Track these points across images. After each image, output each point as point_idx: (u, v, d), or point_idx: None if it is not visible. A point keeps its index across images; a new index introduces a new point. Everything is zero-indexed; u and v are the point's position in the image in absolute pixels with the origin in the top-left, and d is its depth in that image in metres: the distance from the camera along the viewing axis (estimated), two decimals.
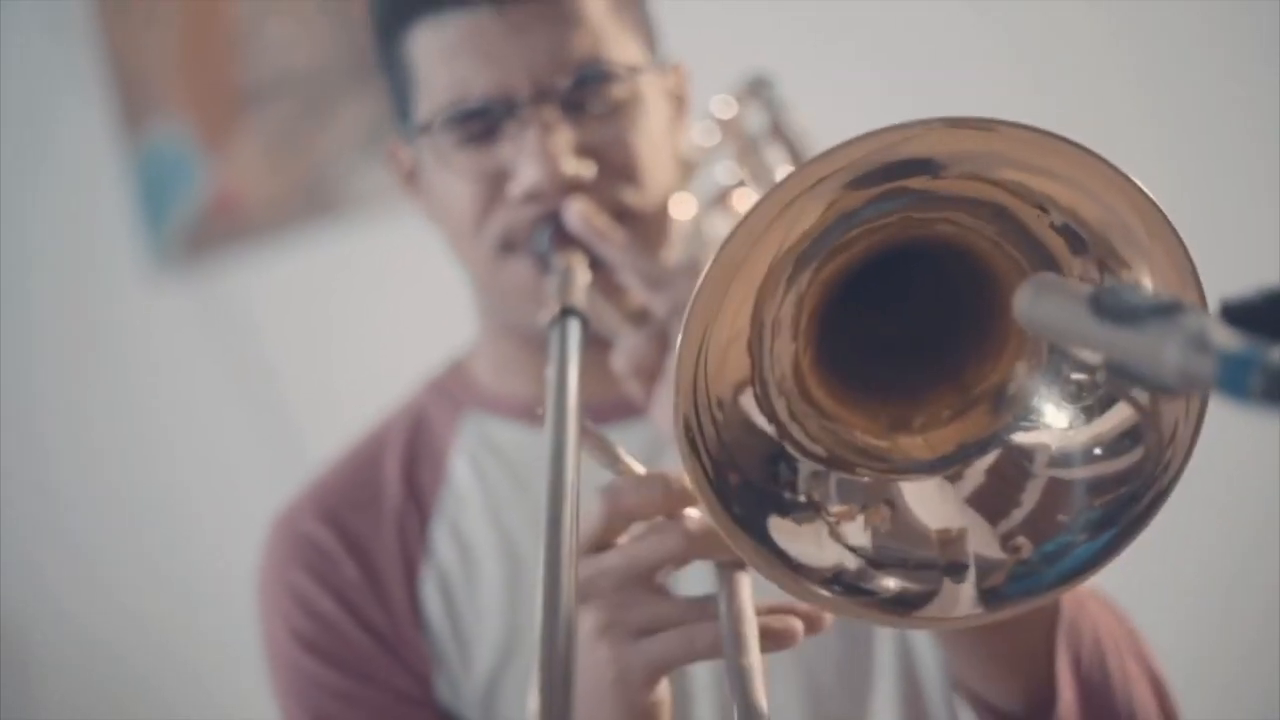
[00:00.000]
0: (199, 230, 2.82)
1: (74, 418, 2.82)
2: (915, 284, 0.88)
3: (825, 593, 0.80)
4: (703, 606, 0.85)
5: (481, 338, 1.30)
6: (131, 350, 2.82)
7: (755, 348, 0.81)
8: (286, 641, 1.20)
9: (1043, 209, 0.77)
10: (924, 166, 0.76)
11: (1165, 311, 0.56)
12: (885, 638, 1.17)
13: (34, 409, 2.82)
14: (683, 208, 1.29)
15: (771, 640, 0.84)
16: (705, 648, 0.84)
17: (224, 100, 2.82)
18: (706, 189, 1.31)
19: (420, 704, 1.19)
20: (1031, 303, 0.66)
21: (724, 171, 1.30)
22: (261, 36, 2.80)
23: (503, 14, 1.12)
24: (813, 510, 0.82)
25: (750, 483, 0.81)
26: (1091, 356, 0.80)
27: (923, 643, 1.17)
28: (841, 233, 0.79)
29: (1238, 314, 0.56)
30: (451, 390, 1.29)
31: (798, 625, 0.85)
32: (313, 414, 2.64)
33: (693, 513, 0.87)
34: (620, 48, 1.17)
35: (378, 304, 2.71)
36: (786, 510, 0.82)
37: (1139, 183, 0.74)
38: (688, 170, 1.31)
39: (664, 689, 0.87)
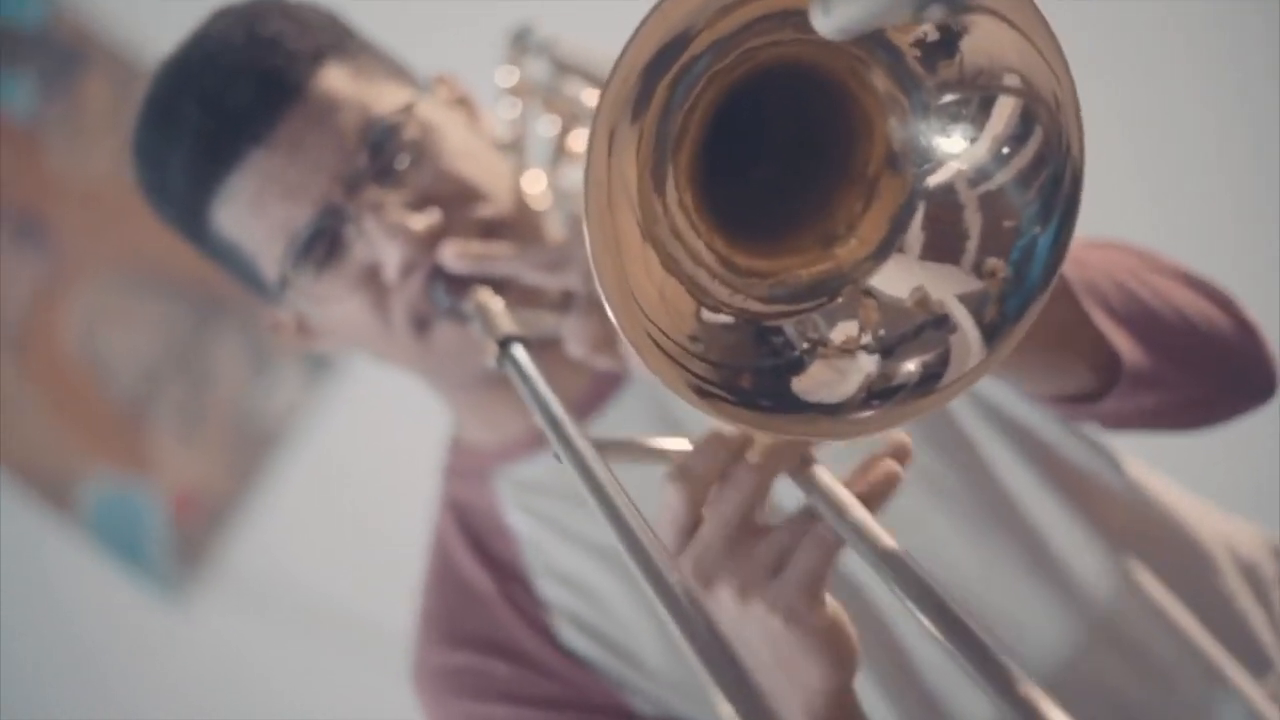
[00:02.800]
0: (181, 542, 2.83)
1: None
2: (767, 120, 0.88)
3: (869, 413, 0.80)
4: (807, 516, 0.85)
5: (456, 410, 1.30)
6: (184, 667, 2.82)
7: (673, 266, 0.81)
8: None
9: None
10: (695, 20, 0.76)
11: None
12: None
13: None
14: (534, 182, 1.29)
15: (878, 493, 0.84)
16: (833, 543, 0.83)
17: (117, 428, 2.83)
18: (542, 151, 1.31)
19: None
20: (825, 13, 0.64)
21: (546, 125, 1.31)
22: (103, 356, 2.81)
23: (270, 146, 1.13)
24: (819, 348, 0.82)
25: (758, 370, 0.81)
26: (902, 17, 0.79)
27: None
28: (674, 115, 0.79)
29: None
30: (465, 466, 1.29)
31: (888, 465, 0.85)
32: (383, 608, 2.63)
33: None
34: (383, 99, 1.17)
35: (372, 483, 2.71)
36: (799, 367, 0.82)
37: None
38: (516, 149, 1.31)
39: (832, 603, 0.86)
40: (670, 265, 0.81)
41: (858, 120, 0.84)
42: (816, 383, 0.81)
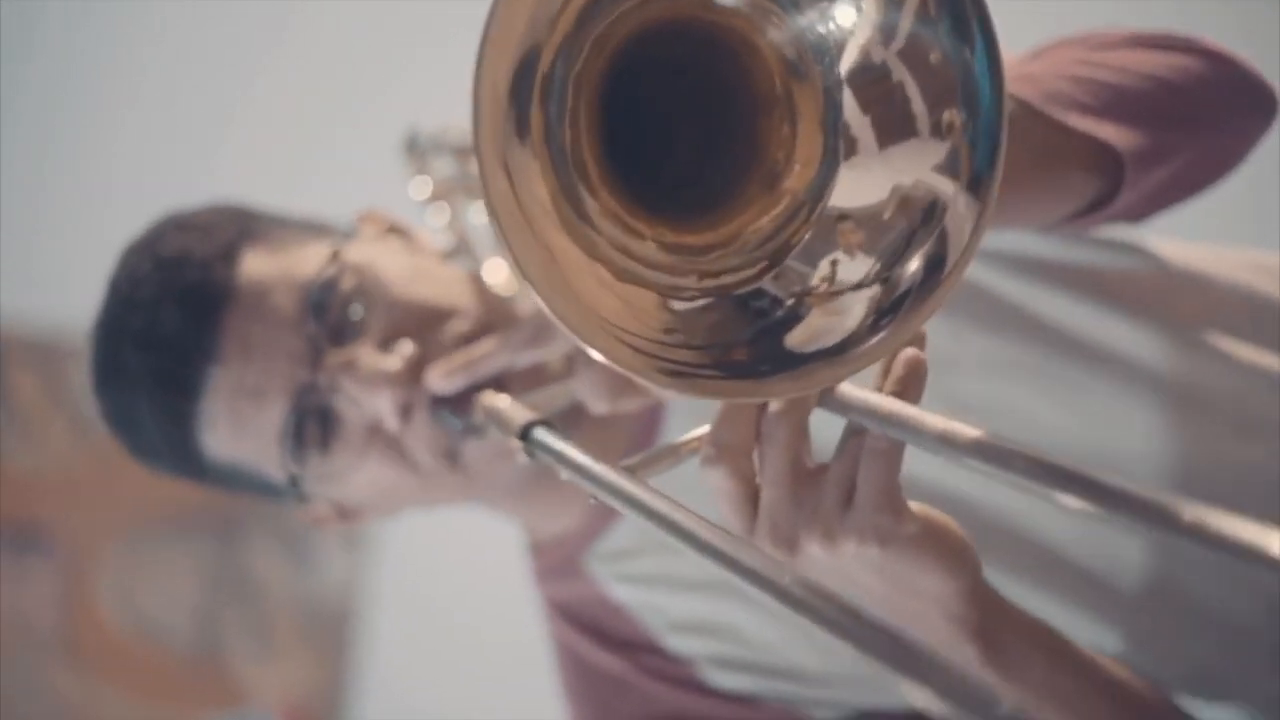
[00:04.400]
0: None
1: None
2: (653, 95, 0.84)
3: (882, 334, 0.76)
4: (853, 433, 0.80)
5: (519, 516, 1.26)
6: None
7: (627, 275, 0.77)
8: None
9: None
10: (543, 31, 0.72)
11: None
12: None
13: None
14: (496, 271, 1.25)
15: (910, 383, 0.78)
16: (890, 447, 0.78)
17: (198, 674, 2.83)
18: (489, 239, 1.28)
19: None
20: None
21: (478, 213, 1.27)
22: (151, 616, 2.80)
23: (222, 359, 1.10)
24: (805, 297, 0.78)
25: (753, 340, 0.77)
26: None
27: None
28: (560, 130, 0.75)
29: None
30: (552, 564, 1.25)
31: (906, 354, 0.79)
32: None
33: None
34: (309, 262, 1.14)
35: (460, 614, 2.68)
36: (792, 321, 0.77)
37: None
38: (464, 249, 1.27)
39: (919, 506, 0.81)
40: (620, 273, 0.77)
41: (739, 49, 0.80)
42: (815, 331, 0.76)
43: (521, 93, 0.72)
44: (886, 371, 0.78)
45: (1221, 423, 1.09)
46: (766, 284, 0.78)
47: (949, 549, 0.80)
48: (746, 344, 0.76)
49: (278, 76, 2.71)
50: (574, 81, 0.75)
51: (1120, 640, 1.07)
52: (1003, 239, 1.12)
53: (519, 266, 0.71)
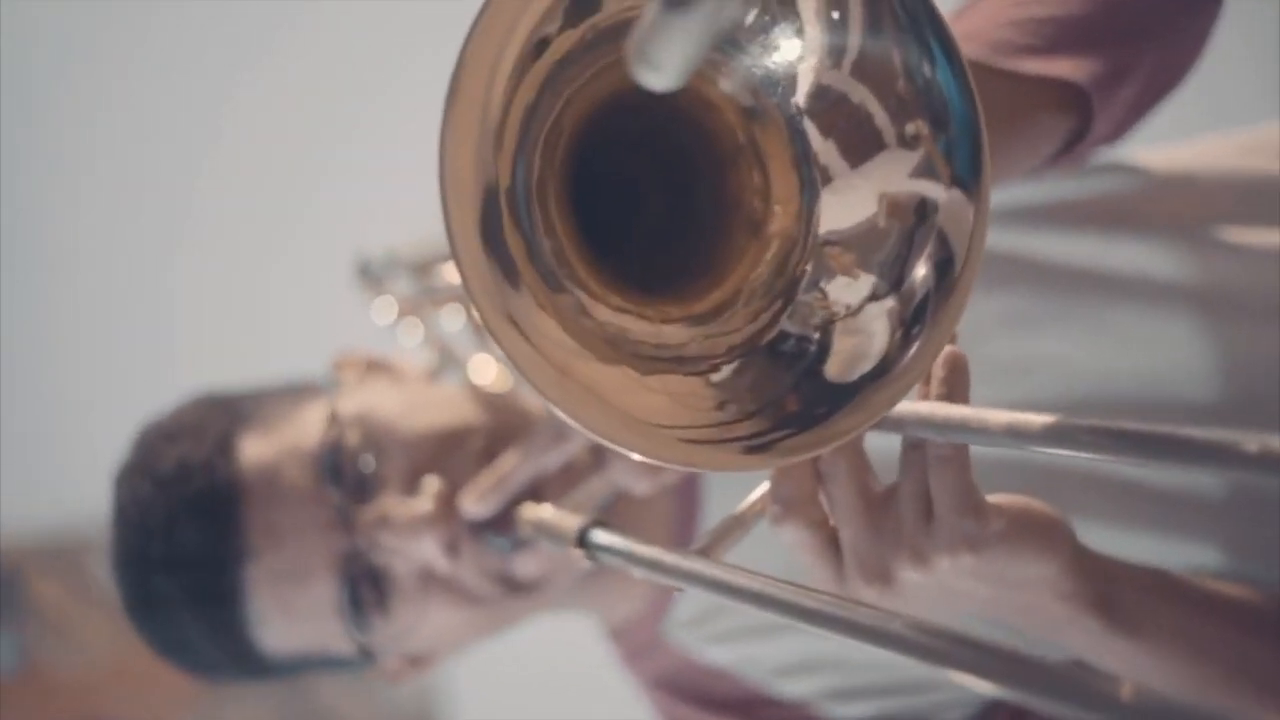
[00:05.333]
0: None
1: None
2: (620, 178, 0.82)
3: (917, 345, 0.73)
4: (912, 448, 0.77)
5: (591, 609, 1.23)
6: None
7: (653, 365, 0.74)
8: None
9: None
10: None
11: None
12: None
13: None
14: (484, 370, 1.23)
15: (955, 383, 0.75)
16: (954, 452, 0.75)
17: None
18: (467, 340, 1.25)
19: None
20: (655, 68, 0.57)
21: (449, 319, 1.24)
22: None
23: (254, 554, 1.07)
24: (828, 326, 0.75)
25: (797, 385, 0.74)
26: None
27: None
28: (541, 249, 0.72)
29: None
30: (637, 645, 1.23)
31: (947, 354, 0.76)
32: None
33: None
34: (307, 429, 1.11)
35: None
36: (825, 354, 0.74)
37: None
38: (448, 360, 1.25)
39: (997, 499, 0.78)
40: (650, 366, 0.74)
41: (693, 107, 0.77)
42: (849, 358, 0.74)
43: (495, 241, 0.69)
44: (927, 378, 0.76)
45: (1253, 313, 1.06)
46: (786, 325, 0.76)
47: (1040, 529, 0.78)
48: (793, 391, 0.74)
49: (221, 226, 2.70)
50: (538, 195, 0.72)
51: (1220, 552, 1.04)
52: (992, 197, 1.09)
53: (574, 418, 0.68)
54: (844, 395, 0.73)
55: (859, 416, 0.72)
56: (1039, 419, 0.67)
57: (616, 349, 0.73)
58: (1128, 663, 0.82)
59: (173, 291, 2.74)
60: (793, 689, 1.16)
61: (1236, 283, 1.07)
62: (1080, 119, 0.95)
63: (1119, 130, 1.01)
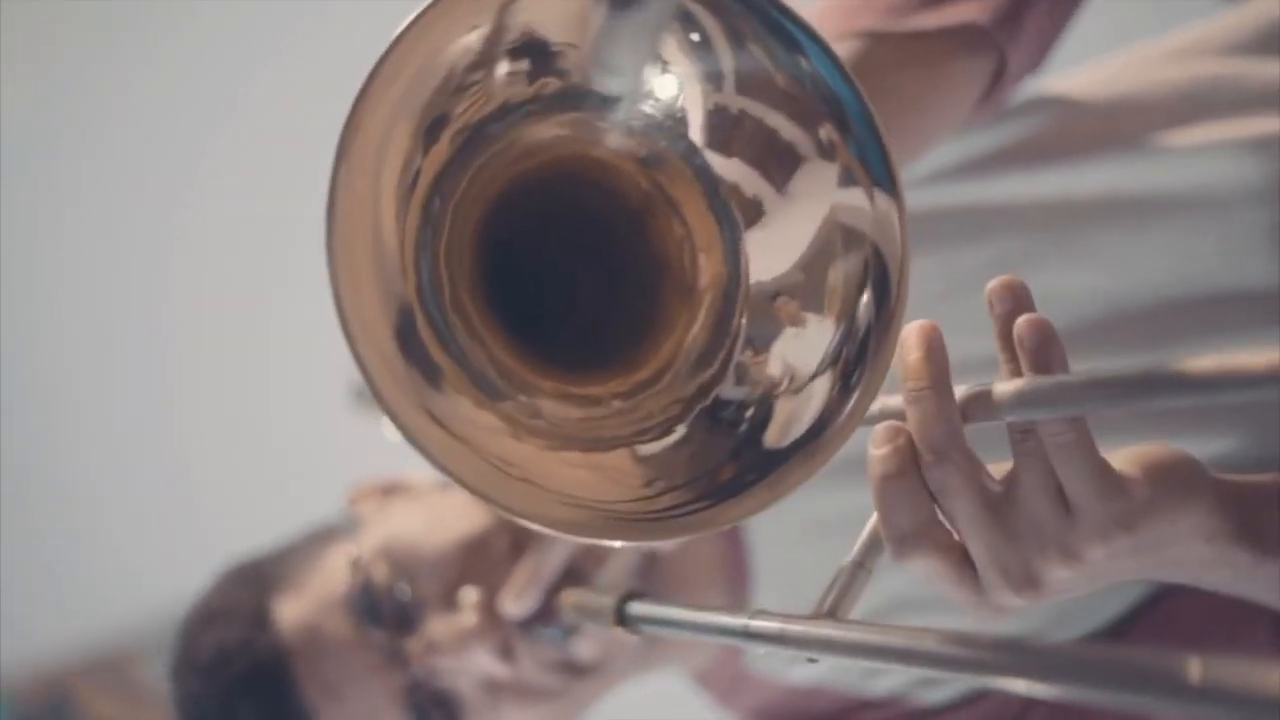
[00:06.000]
0: None
1: None
2: (531, 267, 0.80)
3: (855, 395, 0.69)
4: (1022, 435, 0.69)
5: (676, 665, 1.22)
6: None
7: (601, 442, 0.72)
8: None
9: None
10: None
11: None
12: None
13: None
14: None
15: (1051, 354, 0.67)
16: (1069, 431, 0.67)
17: None
18: None
19: None
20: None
21: None
22: None
23: (318, 715, 1.08)
24: (771, 392, 0.72)
25: (734, 454, 0.71)
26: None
27: None
28: (465, 347, 0.71)
29: None
30: (725, 684, 1.22)
31: (1027, 320, 0.67)
32: None
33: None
34: (336, 576, 1.11)
35: None
36: (767, 419, 0.72)
37: None
38: None
39: (1128, 462, 0.71)
40: (596, 445, 0.72)
41: (587, 173, 0.76)
42: (786, 420, 0.70)
43: (411, 344, 0.67)
44: (1011, 354, 0.69)
45: (1222, 211, 1.06)
46: (726, 389, 0.73)
47: (1179, 479, 0.70)
48: (730, 462, 0.71)
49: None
50: (452, 299, 0.71)
51: (1239, 440, 1.01)
52: (932, 159, 1.08)
53: (493, 504, 0.66)
54: (771, 464, 0.69)
55: (789, 480, 0.69)
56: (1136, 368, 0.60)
57: (559, 434, 0.72)
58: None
59: (185, 438, 2.74)
60: (885, 686, 1.14)
61: (1192, 181, 1.06)
62: (994, 57, 0.94)
63: (1040, 54, 0.99)
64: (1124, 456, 0.71)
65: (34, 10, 2.47)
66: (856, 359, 0.70)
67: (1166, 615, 1.04)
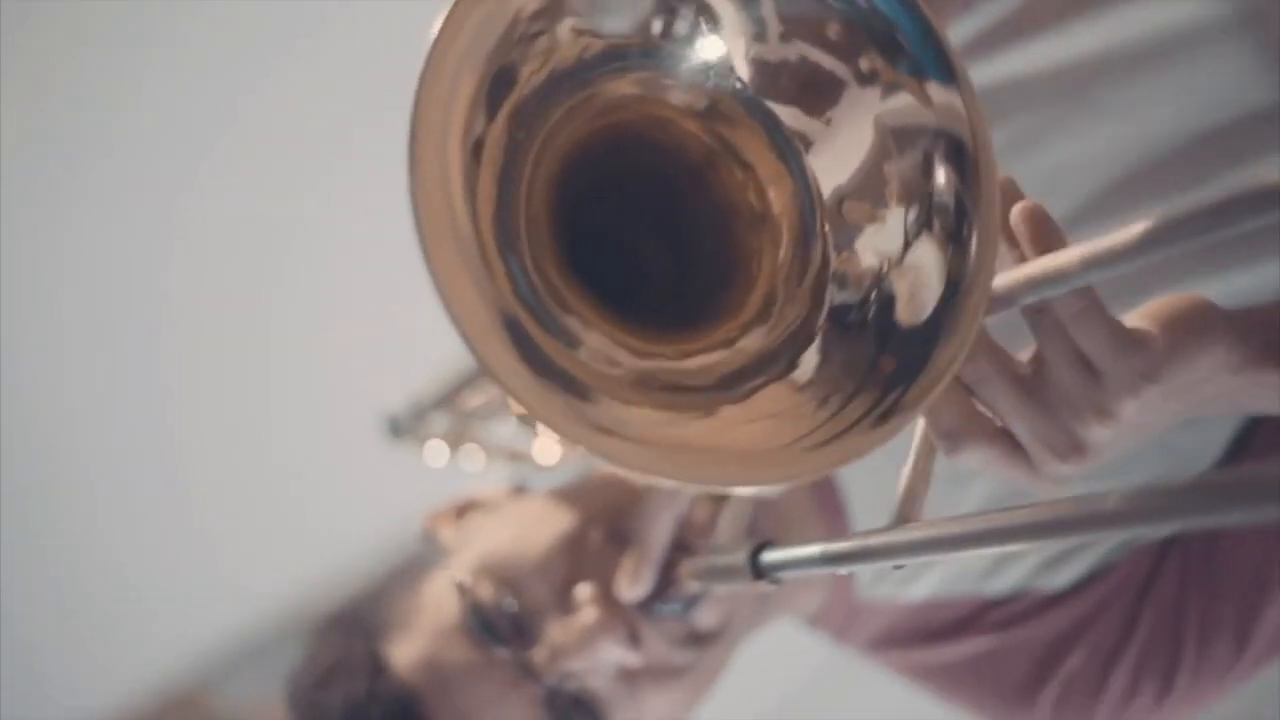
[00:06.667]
0: None
1: None
2: (620, 221, 0.80)
3: (974, 244, 0.71)
4: (1040, 319, 0.74)
5: (790, 613, 1.20)
6: None
7: (749, 390, 0.71)
8: None
9: None
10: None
11: None
12: None
13: None
14: (548, 453, 1.20)
15: (1048, 235, 0.71)
16: (1081, 300, 0.71)
17: None
18: (517, 437, 1.23)
19: None
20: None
21: (499, 430, 1.22)
22: None
23: None
24: (879, 276, 0.73)
25: (882, 345, 0.71)
26: None
27: None
28: (565, 338, 0.69)
29: None
30: (842, 620, 1.20)
31: (1021, 208, 0.72)
32: None
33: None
34: (441, 607, 1.08)
35: None
36: (891, 305, 0.72)
37: None
38: (519, 464, 1.22)
39: (1145, 316, 0.75)
40: (747, 396, 0.71)
41: (649, 132, 0.75)
42: (912, 294, 0.71)
43: (540, 362, 0.65)
44: (1014, 243, 0.72)
45: (1224, 38, 1.03)
46: (840, 297, 0.73)
47: (1193, 320, 0.74)
48: (882, 353, 0.71)
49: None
50: (548, 291, 0.69)
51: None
52: None
53: (700, 484, 0.67)
54: (933, 329, 0.70)
55: (957, 340, 0.69)
56: (1139, 228, 0.64)
57: (712, 404, 0.71)
58: None
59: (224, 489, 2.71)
60: (1005, 582, 1.13)
61: (1185, 15, 1.04)
62: None
63: None
64: (1138, 314, 0.75)
65: (34, 10, 2.39)
66: (957, 216, 0.71)
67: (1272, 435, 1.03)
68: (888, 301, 0.72)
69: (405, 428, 1.25)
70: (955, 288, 0.70)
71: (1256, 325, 0.77)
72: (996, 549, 0.66)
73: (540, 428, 1.18)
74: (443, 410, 1.21)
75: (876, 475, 1.06)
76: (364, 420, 1.31)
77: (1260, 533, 1.04)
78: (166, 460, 2.64)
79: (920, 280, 0.71)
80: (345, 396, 1.60)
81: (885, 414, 0.69)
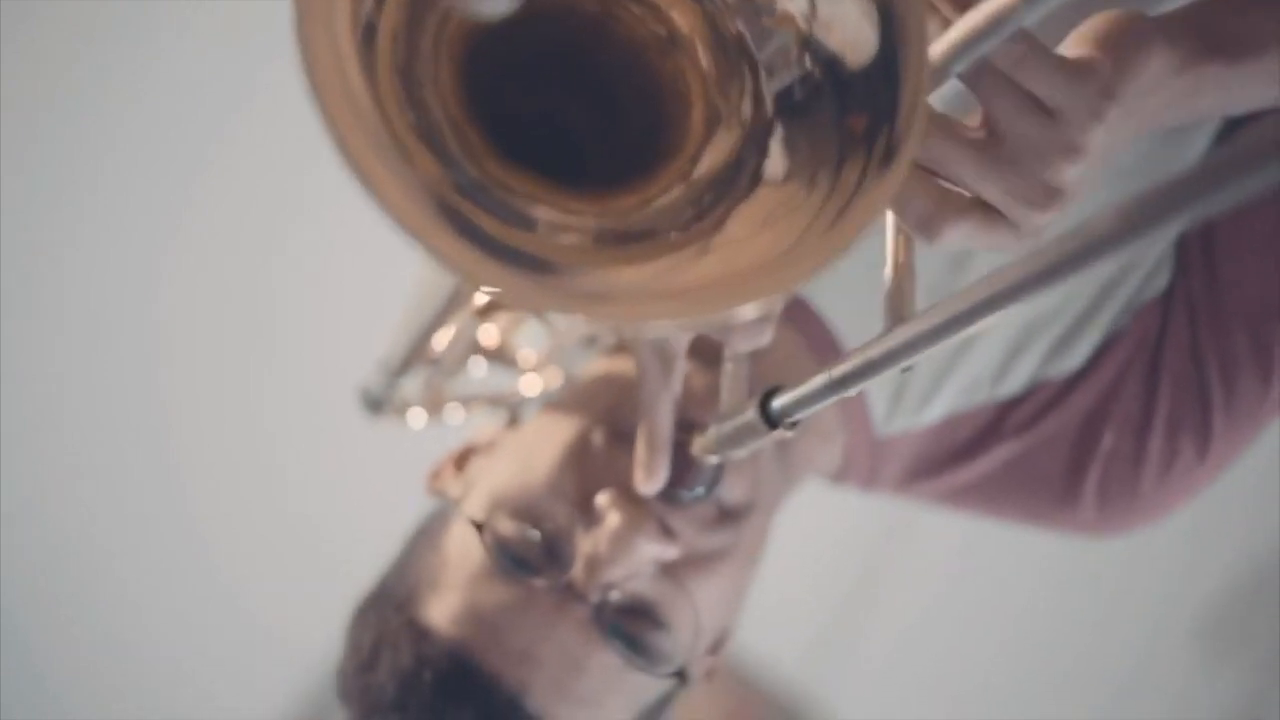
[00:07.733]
0: None
1: None
2: (550, 101, 0.77)
3: None
4: (984, 76, 0.73)
5: (813, 473, 1.18)
6: None
7: (722, 201, 0.69)
8: None
9: None
10: None
11: None
12: None
13: None
14: (535, 384, 1.17)
15: None
16: (1024, 48, 0.71)
17: None
18: (507, 374, 1.20)
19: None
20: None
21: (476, 369, 1.19)
22: None
23: (527, 690, 1.02)
24: (805, 43, 0.69)
25: (845, 104, 0.68)
26: None
27: None
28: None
29: None
30: (867, 465, 1.18)
31: None
32: None
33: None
34: (467, 554, 1.04)
35: None
36: (834, 64, 0.68)
37: None
38: (510, 403, 1.19)
39: (1076, 44, 0.74)
40: (728, 210, 0.68)
41: (545, 4, 0.72)
42: (850, 40, 0.68)
43: (489, 244, 0.62)
44: (933, 8, 0.71)
45: None
46: (776, 83, 0.70)
47: (1131, 33, 0.74)
48: (846, 113, 0.67)
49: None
50: (486, 176, 0.66)
51: None
52: None
53: (752, 300, 0.62)
54: (886, 64, 0.66)
55: (914, 60, 0.66)
56: None
57: (683, 236, 0.67)
58: (1271, 77, 0.78)
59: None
60: (1017, 380, 1.12)
61: None
62: None
63: None
64: (1069, 43, 0.74)
65: (34, 10, 2.33)
66: None
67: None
68: (829, 63, 0.68)
69: (380, 397, 1.21)
70: (888, 14, 0.66)
71: (1184, 25, 0.77)
72: (1001, 313, 0.63)
73: (521, 343, 1.15)
74: (414, 368, 1.17)
75: (858, 298, 1.03)
76: (347, 405, 1.27)
77: (1260, 259, 1.02)
78: (167, 463, 2.61)
79: (849, 22, 0.68)
80: (329, 386, 1.56)
81: (885, 157, 0.65)
